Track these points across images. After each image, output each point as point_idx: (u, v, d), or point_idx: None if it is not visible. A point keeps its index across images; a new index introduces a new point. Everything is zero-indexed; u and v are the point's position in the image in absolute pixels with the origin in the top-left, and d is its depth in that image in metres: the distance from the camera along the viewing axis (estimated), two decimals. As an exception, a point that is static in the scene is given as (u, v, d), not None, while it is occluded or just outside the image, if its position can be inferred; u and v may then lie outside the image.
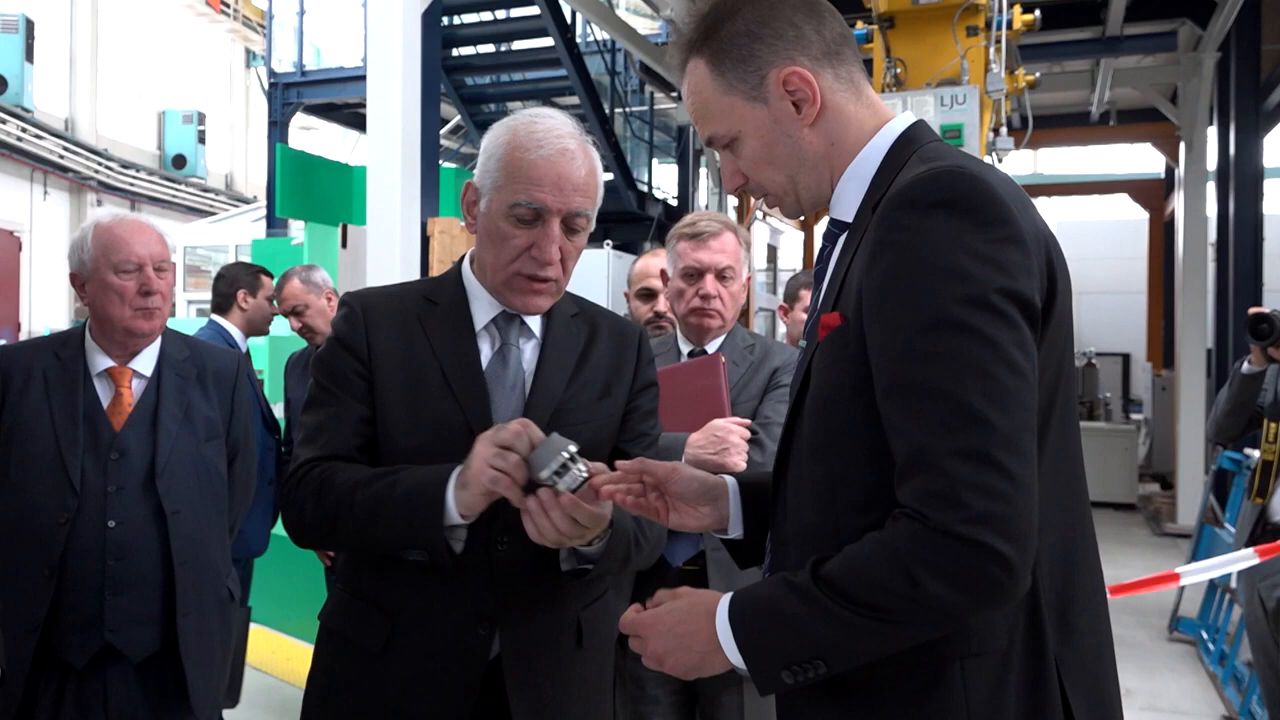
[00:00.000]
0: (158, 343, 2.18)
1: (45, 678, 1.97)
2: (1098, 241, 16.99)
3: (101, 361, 2.11)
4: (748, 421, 2.24)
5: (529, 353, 1.63)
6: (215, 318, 4.10)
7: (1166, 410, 11.03)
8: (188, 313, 11.70)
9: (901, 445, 1.05)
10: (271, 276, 4.24)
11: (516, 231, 1.54)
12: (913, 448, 1.03)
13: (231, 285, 4.12)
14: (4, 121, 14.37)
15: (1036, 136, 11.10)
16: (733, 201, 11.58)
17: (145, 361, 2.15)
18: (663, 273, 2.50)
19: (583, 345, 1.67)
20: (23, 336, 10.74)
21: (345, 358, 1.58)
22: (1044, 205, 14.81)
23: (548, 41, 9.37)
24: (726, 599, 1.14)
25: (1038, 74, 5.75)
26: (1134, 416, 12.87)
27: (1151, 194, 13.65)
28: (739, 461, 2.18)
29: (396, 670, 1.52)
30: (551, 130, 1.55)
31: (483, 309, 1.63)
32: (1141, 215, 14.22)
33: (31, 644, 1.92)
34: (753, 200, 10.70)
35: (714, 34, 1.24)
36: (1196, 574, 3.51)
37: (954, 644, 1.08)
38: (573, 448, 1.35)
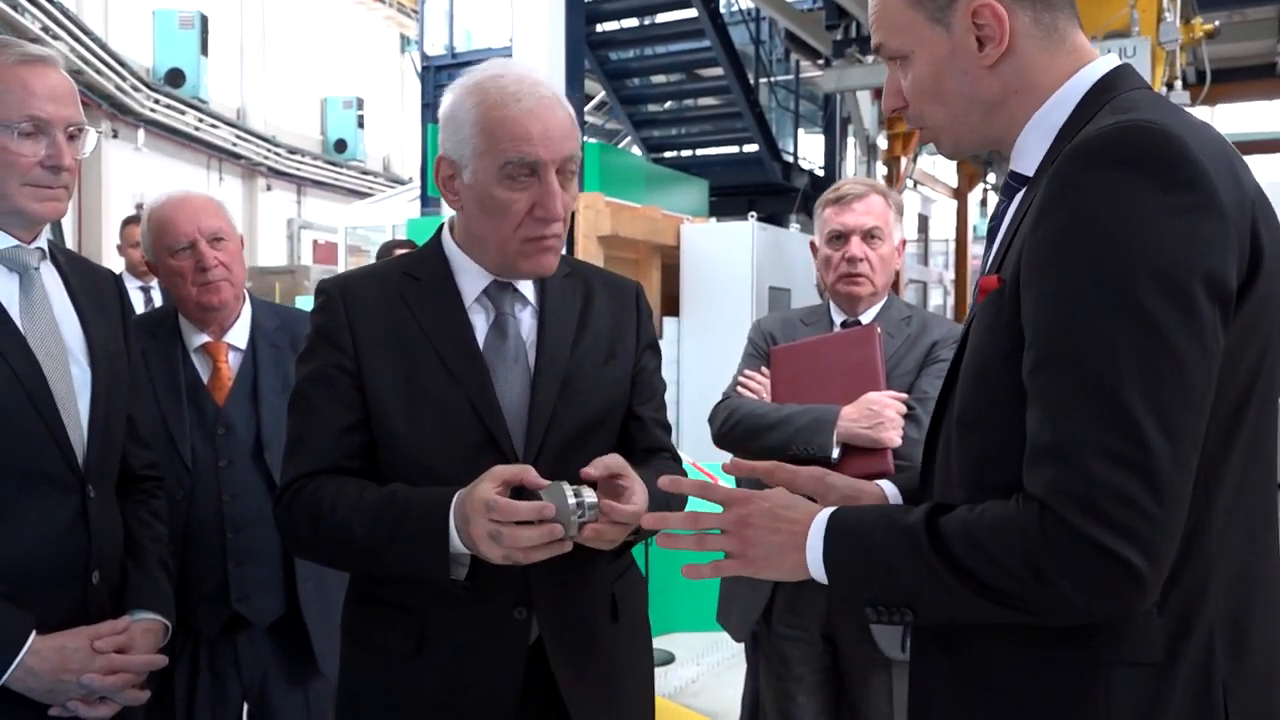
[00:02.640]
0: (248, 314, 2.16)
1: (181, 646, 2.05)
2: (1284, 203, 15.70)
3: (197, 338, 2.11)
4: (904, 396, 2.15)
5: (527, 321, 1.54)
6: None
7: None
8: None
9: (1041, 429, 0.96)
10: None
11: (515, 195, 1.42)
12: (1053, 435, 0.95)
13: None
14: (183, 112, 15.30)
15: (1215, 91, 10.31)
16: (881, 170, 11.26)
17: (239, 334, 2.14)
18: (811, 244, 2.42)
19: (580, 308, 1.57)
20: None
21: (328, 352, 1.48)
22: (1223, 165, 13.80)
23: (691, 13, 9.30)
24: (830, 510, 1.10)
25: (1217, 22, 5.34)
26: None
27: (1347, 150, 12.57)
28: (894, 437, 2.09)
29: (434, 670, 1.46)
30: (523, 81, 1.43)
31: (471, 280, 1.52)
32: (1336, 173, 13.12)
33: None
34: (904, 168, 10.38)
35: None
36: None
37: (1100, 650, 1.00)
38: (567, 489, 1.32)
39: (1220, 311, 0.94)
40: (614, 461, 1.39)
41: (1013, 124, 1.12)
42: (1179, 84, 4.94)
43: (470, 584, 1.40)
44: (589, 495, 1.33)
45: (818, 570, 1.08)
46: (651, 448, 1.61)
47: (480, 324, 1.52)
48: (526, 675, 1.46)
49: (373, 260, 4.39)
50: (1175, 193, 0.93)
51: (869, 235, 2.27)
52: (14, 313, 1.51)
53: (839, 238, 2.29)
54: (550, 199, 1.42)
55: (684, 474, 1.62)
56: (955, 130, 1.15)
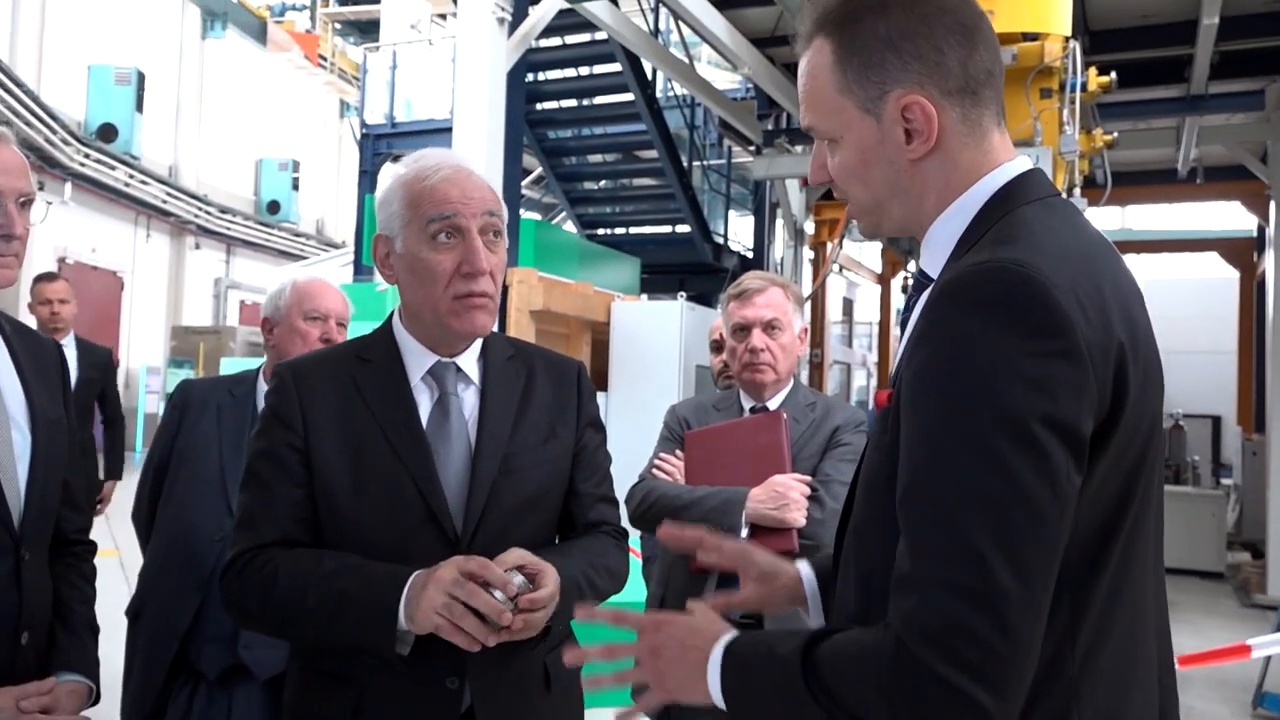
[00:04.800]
0: None
1: (180, 685, 2.12)
2: (1187, 300, 16.61)
3: None
4: (808, 478, 2.28)
5: (470, 400, 1.61)
6: None
7: (1258, 476, 10.61)
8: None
9: (903, 560, 0.98)
10: None
11: (440, 256, 1.51)
12: (912, 568, 0.96)
13: None
14: (113, 168, 15.14)
15: (1123, 193, 10.85)
16: (809, 254, 11.60)
17: None
18: (718, 335, 2.58)
19: (522, 387, 1.65)
20: (121, 372, 11.15)
21: (280, 431, 1.54)
22: (1132, 263, 14.42)
23: (628, 97, 9.59)
24: (728, 637, 1.11)
25: (1116, 133, 5.71)
26: (1224, 481, 12.42)
27: (1242, 252, 13.29)
28: (799, 518, 2.22)
29: None
30: (441, 158, 1.57)
31: (417, 361, 1.59)
32: (1232, 274, 13.85)
33: (172, 650, 2.08)
34: (829, 253, 10.72)
35: (853, 23, 1.11)
36: (1270, 646, 3.42)
37: None
38: (515, 577, 1.41)
39: (1073, 456, 0.95)
40: (513, 556, 1.45)
41: (925, 219, 1.14)
42: (1078, 190, 5.27)
43: (409, 657, 1.45)
44: (520, 577, 1.42)
45: (719, 701, 1.08)
46: (592, 523, 1.68)
47: (425, 403, 1.58)
48: None
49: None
50: (1032, 338, 0.94)
51: (770, 326, 2.42)
52: (-41, 379, 1.56)
53: (742, 329, 2.43)
54: (474, 255, 1.51)
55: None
56: (876, 214, 1.17)
